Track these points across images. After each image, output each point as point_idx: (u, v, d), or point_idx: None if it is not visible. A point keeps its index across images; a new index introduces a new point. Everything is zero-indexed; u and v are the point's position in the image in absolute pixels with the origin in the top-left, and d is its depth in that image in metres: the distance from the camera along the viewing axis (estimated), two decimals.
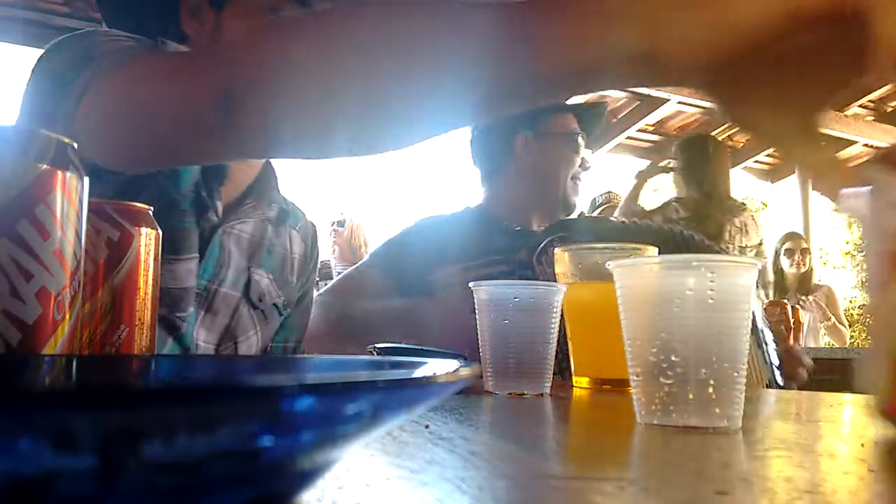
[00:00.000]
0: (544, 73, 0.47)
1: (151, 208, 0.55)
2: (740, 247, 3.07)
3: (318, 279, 1.16)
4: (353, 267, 1.38)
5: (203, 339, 0.84)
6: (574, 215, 1.39)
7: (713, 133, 5.05)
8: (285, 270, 0.95)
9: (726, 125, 4.99)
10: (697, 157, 3.01)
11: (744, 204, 3.19)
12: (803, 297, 3.55)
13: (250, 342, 0.90)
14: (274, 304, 0.92)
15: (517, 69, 0.48)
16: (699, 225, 2.84)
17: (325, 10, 0.66)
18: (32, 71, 0.69)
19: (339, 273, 1.64)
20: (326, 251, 3.71)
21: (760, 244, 3.18)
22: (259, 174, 0.94)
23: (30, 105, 0.67)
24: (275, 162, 0.98)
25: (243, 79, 0.54)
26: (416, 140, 0.55)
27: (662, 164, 3.18)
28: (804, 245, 3.71)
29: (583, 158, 1.37)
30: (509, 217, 1.36)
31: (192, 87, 0.57)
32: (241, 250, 0.88)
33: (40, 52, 0.70)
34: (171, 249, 0.73)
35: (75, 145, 0.41)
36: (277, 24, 0.68)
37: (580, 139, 1.35)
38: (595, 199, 3.38)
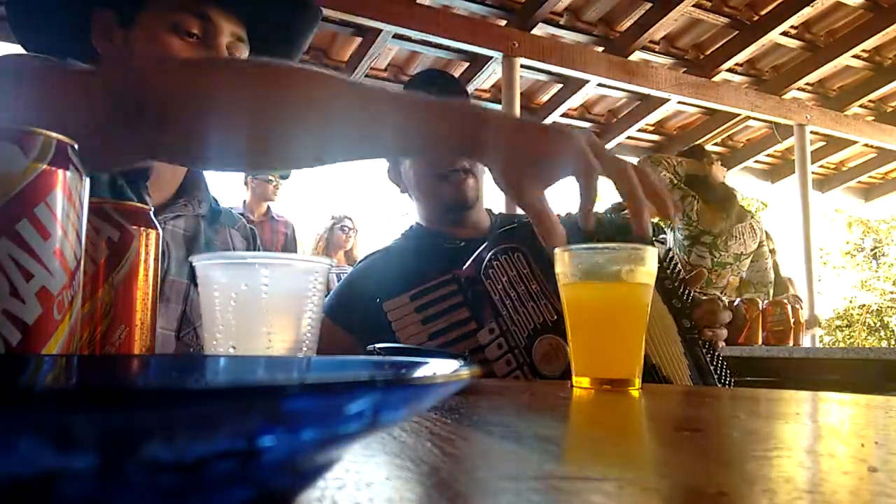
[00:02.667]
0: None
1: (151, 208, 0.55)
2: (735, 254, 3.12)
3: None
4: None
5: (161, 326, 0.88)
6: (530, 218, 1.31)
7: (713, 133, 5.08)
8: None
9: (724, 126, 5.01)
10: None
11: (749, 212, 3.26)
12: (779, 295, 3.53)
13: None
14: None
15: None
16: (710, 221, 2.90)
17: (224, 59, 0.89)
18: None
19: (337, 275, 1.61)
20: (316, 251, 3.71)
21: (760, 246, 3.22)
22: (188, 175, 1.03)
23: None
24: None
25: (157, 91, 0.60)
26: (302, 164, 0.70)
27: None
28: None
29: None
30: (440, 229, 1.33)
31: (102, 98, 0.59)
32: (178, 244, 0.96)
33: None
34: None
35: (75, 145, 0.41)
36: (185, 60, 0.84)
37: None
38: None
